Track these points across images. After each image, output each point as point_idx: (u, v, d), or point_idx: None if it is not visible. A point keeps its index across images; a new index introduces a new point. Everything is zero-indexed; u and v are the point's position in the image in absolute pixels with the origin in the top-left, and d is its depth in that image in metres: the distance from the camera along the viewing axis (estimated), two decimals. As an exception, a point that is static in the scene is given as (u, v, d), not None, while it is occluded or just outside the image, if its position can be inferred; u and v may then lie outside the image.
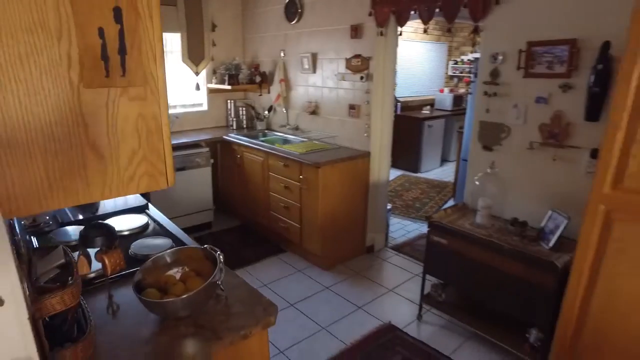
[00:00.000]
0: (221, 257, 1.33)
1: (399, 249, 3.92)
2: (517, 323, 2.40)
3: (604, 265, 1.81)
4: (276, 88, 4.32)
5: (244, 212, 4.28)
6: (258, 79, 4.36)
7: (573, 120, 2.29)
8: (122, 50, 0.83)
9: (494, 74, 2.61)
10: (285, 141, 4.13)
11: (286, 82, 4.24)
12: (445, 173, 6.61)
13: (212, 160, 4.11)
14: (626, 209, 1.69)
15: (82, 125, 0.83)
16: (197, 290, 1.20)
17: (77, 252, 1.27)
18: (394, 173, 6.41)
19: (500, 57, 2.57)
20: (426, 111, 6.91)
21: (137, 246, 1.68)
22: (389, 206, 3.95)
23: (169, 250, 1.35)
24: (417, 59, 7.18)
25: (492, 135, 2.69)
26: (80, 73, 0.80)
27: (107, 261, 1.07)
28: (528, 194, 2.55)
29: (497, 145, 2.68)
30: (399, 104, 6.66)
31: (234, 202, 4.38)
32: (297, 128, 4.26)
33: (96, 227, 1.11)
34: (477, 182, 2.66)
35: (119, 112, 0.87)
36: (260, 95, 4.57)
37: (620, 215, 1.71)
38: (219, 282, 1.30)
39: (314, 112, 4.02)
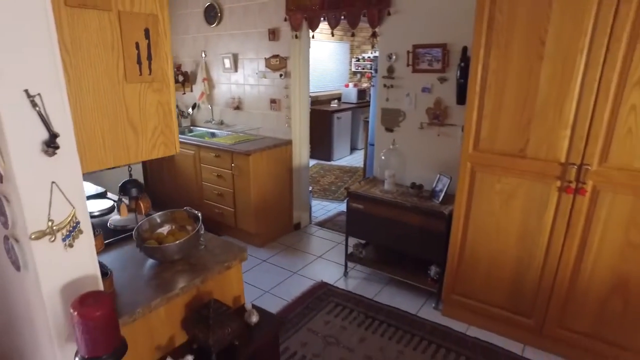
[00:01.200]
0: (200, 214, 1.74)
1: (322, 224, 4.49)
2: (421, 263, 3.07)
3: (472, 208, 2.51)
4: (199, 86, 4.63)
5: (177, 204, 4.52)
6: (181, 78, 4.63)
7: (449, 104, 3.01)
8: (149, 57, 1.23)
9: (390, 70, 3.26)
10: (212, 135, 4.47)
11: (209, 80, 4.57)
12: (355, 160, 7.36)
13: (141, 157, 4.30)
14: (482, 163, 2.40)
15: (124, 108, 1.21)
16: (188, 236, 1.60)
17: (117, 201, 1.63)
18: (310, 162, 6.98)
19: (394, 57, 3.22)
20: (334, 105, 7.59)
21: (114, 221, 2.00)
22: (310, 188, 4.49)
23: (159, 213, 1.72)
24: (324, 57, 7.83)
25: (392, 119, 3.35)
26: (124, 73, 1.19)
27: (141, 204, 1.44)
28: (421, 163, 3.24)
29: (397, 127, 3.34)
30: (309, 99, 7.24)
31: (166, 195, 4.60)
32: (221, 123, 4.62)
33: (131, 182, 1.49)
34: (382, 157, 3.30)
35: (147, 99, 1.26)
36: (184, 93, 4.83)
37: (479, 167, 2.41)
38: (202, 232, 1.70)
39: (237, 108, 4.42)
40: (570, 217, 2.22)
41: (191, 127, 4.77)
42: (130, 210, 1.55)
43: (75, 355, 1.09)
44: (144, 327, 1.38)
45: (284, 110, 4.04)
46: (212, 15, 4.28)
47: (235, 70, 4.31)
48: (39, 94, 0.98)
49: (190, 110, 4.80)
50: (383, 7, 3.19)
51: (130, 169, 1.59)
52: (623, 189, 2.05)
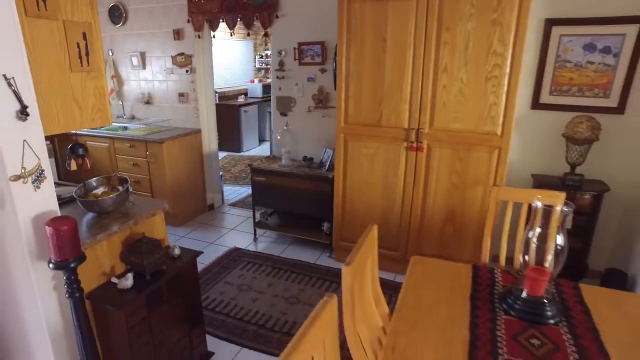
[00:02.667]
0: (127, 178, 2.21)
1: (234, 205, 5.02)
2: (316, 222, 3.76)
3: (348, 170, 3.24)
4: (108, 83, 4.88)
5: (91, 196, 4.75)
6: (88, 75, 4.84)
7: (329, 91, 3.72)
8: (87, 53, 1.71)
9: (281, 64, 3.90)
10: (125, 128, 4.76)
11: (117, 77, 4.85)
12: (263, 150, 7.94)
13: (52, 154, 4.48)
14: (351, 133, 3.13)
15: (71, 90, 1.69)
16: (119, 192, 2.07)
17: (67, 159, 2.04)
18: (221, 154, 7.42)
19: (284, 53, 3.86)
20: (241, 99, 8.09)
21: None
22: (221, 173, 4.99)
23: (94, 178, 2.17)
24: (230, 55, 8.28)
25: (285, 105, 3.99)
26: (70, 64, 1.67)
27: (87, 160, 1.89)
28: (311, 140, 3.93)
29: (289, 111, 3.99)
30: (216, 94, 7.67)
31: (80, 188, 4.80)
32: (133, 117, 4.93)
33: (77, 144, 1.93)
34: (278, 137, 3.93)
35: (87, 84, 1.74)
36: (92, 90, 5.02)
37: (349, 137, 3.14)
38: (130, 191, 2.18)
39: (148, 102, 4.77)
40: (415, 169, 3.03)
41: (102, 122, 5.00)
42: (77, 165, 1.99)
43: (49, 262, 1.56)
44: (92, 255, 1.84)
45: (192, 103, 4.49)
46: (117, 15, 4.58)
47: (144, 67, 4.66)
48: (12, 78, 1.44)
49: (99, 106, 5.02)
50: (272, 11, 3.81)
51: (76, 137, 2.03)
52: (445, 144, 2.89)
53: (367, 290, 1.57)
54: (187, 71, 4.37)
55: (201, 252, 2.28)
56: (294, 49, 3.80)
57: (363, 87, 3.01)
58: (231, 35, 4.27)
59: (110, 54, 4.79)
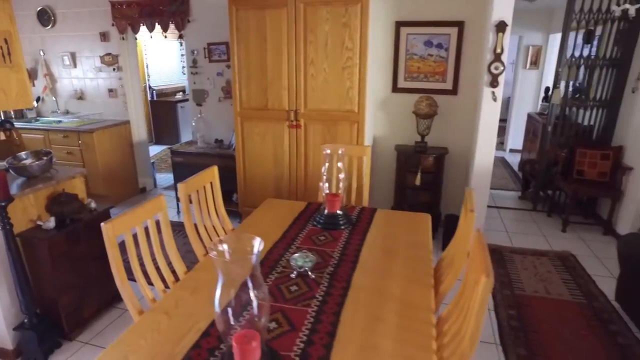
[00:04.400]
0: (51, 150, 2.82)
1: (166, 188, 5.62)
2: (229, 194, 4.44)
3: (245, 147, 3.95)
4: (42, 81, 5.35)
5: (31, 185, 5.23)
6: (22, 75, 5.29)
7: (235, 83, 4.42)
8: (9, 54, 2.34)
9: (194, 61, 4.56)
10: (59, 122, 5.26)
11: (50, 75, 5.34)
12: (201, 142, 8.51)
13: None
14: (246, 116, 3.84)
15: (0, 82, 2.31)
16: (45, 159, 2.69)
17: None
18: (160, 147, 7.97)
19: (196, 52, 4.52)
20: (179, 96, 8.62)
21: (-15, 168, 2.94)
22: (152, 161, 5.58)
23: (24, 152, 2.76)
24: (165, 54, 8.78)
25: (199, 96, 4.65)
26: (-5, 62, 2.29)
27: (14, 133, 2.48)
28: (222, 125, 4.61)
29: (204, 102, 4.66)
30: (154, 91, 8.19)
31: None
32: (67, 112, 5.42)
33: (5, 119, 2.52)
34: (194, 124, 4.59)
35: (10, 76, 2.36)
36: (27, 88, 5.48)
37: (245, 119, 3.85)
38: (53, 160, 2.79)
39: (80, 98, 5.29)
40: (297, 143, 3.78)
41: (37, 118, 5.47)
42: (5, 135, 2.58)
43: (-15, 204, 2.17)
44: (20, 205, 2.46)
45: (120, 97, 5.06)
46: (45, 18, 5.06)
47: (75, 66, 5.17)
48: (-49, 72, 2.06)
49: (35, 102, 5.49)
50: (184, 16, 4.45)
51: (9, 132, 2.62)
52: (317, 121, 3.66)
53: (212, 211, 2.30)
54: (114, 69, 4.93)
55: (113, 206, 2.92)
56: (204, 48, 4.47)
57: (252, 78, 3.72)
58: (151, 37, 4.86)
59: (42, 54, 5.26)
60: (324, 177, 2.28)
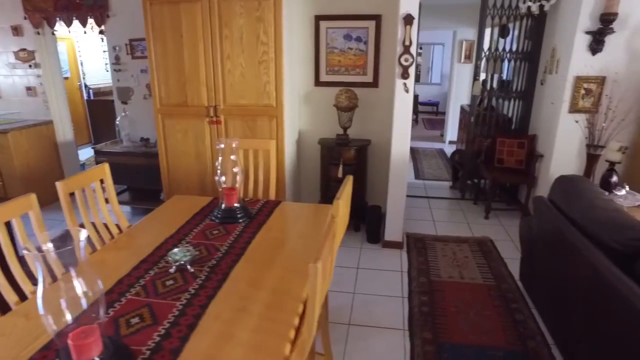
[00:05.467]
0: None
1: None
2: (156, 192, 4.34)
3: (168, 144, 3.86)
4: (-46, 81, 5.03)
5: (-55, 191, 4.91)
6: None
7: (158, 79, 4.30)
8: None
9: (117, 58, 4.41)
10: (-26, 124, 4.97)
11: (-37, 75, 5.02)
12: (143, 142, 8.28)
13: None
14: (166, 113, 3.75)
15: None
16: None
17: None
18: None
19: (118, 48, 4.37)
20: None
21: None
22: (83, 162, 5.37)
23: None
24: (100, 51, 8.46)
25: (124, 94, 4.51)
26: None
27: None
28: (147, 123, 4.49)
29: (129, 100, 4.52)
30: (90, 90, 7.88)
31: None
32: (-17, 112, 5.13)
33: None
34: (118, 122, 4.45)
35: None
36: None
37: (165, 116, 3.76)
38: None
39: (-4, 97, 5.01)
40: (218, 138, 3.72)
41: (-49, 119, 5.14)
42: None
43: None
44: None
45: (40, 96, 4.83)
46: (-46, 15, 4.75)
47: (-14, 63, 4.89)
48: None
49: (-52, 104, 5.15)
50: (103, 11, 4.30)
51: None
52: (237, 117, 3.62)
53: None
54: (30, 66, 4.70)
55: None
56: (126, 44, 4.33)
57: (170, 74, 3.64)
58: (69, 32, 4.65)
59: (-48, 51, 4.94)
60: (218, 171, 2.25)
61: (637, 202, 2.90)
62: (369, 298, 2.97)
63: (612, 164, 3.34)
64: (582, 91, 3.67)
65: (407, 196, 5.01)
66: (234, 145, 2.26)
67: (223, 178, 2.31)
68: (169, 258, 1.79)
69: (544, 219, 2.57)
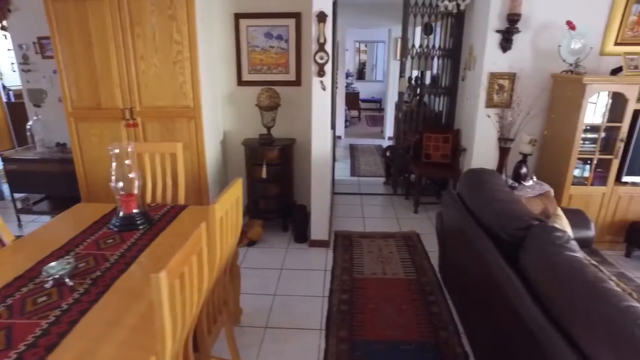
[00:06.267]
0: None
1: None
2: (74, 200, 4.10)
3: (83, 149, 3.65)
4: None
5: None
6: None
7: (72, 81, 4.07)
8: None
9: (25, 57, 4.13)
10: None
11: None
12: (74, 146, 7.85)
13: None
14: (79, 117, 3.54)
15: None
16: None
17: None
18: (22, 154, 7.20)
19: (25, 46, 4.10)
20: (44, 97, 7.85)
21: None
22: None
23: None
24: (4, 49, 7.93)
25: (37, 97, 4.24)
26: None
27: None
28: (63, 127, 4.23)
29: (42, 103, 4.25)
30: (10, 92, 7.38)
31: None
32: None
33: None
34: (28, 127, 4.18)
35: None
36: None
37: (78, 120, 3.55)
38: None
39: None
40: (136, 142, 3.57)
41: None
42: None
43: None
44: None
45: (-57, 100, 4.45)
46: None
47: None
48: None
49: None
50: (2, 4, 4.00)
51: None
52: (154, 119, 3.48)
53: None
54: None
55: None
56: (34, 43, 4.06)
57: (80, 75, 3.44)
58: None
59: None
60: (113, 177, 2.14)
61: (541, 192, 3.04)
62: (289, 299, 2.94)
63: (524, 156, 3.50)
64: (496, 87, 3.81)
65: (340, 194, 5.07)
66: (129, 150, 2.16)
67: (121, 184, 2.20)
68: (44, 272, 1.67)
69: (450, 212, 2.64)
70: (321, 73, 3.24)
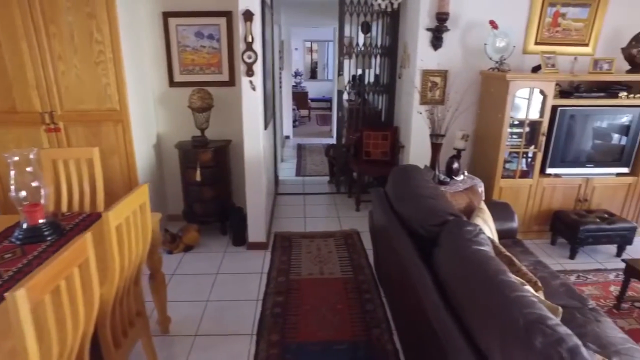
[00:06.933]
0: None
1: None
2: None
3: None
4: None
5: None
6: None
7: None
8: None
9: None
10: None
11: None
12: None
13: None
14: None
15: None
16: None
17: None
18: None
19: None
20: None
21: None
22: None
23: None
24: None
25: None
26: None
27: None
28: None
29: (-45, 108, 3.93)
30: None
31: None
32: None
33: None
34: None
35: None
36: None
37: (-12, 125, 3.32)
38: None
39: None
40: (8, 151, 3.37)
41: None
42: None
43: None
44: None
45: None
46: None
47: None
48: None
49: None
50: None
51: None
52: (78, 123, 3.30)
53: None
54: None
55: None
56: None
57: (-10, 77, 3.21)
58: None
59: None
60: (12, 187, 2.00)
61: (468, 185, 3.13)
62: (222, 305, 2.87)
63: (458, 151, 3.58)
64: (429, 84, 3.89)
65: (284, 194, 5.03)
66: (31, 157, 2.02)
67: (23, 193, 2.05)
68: None
69: (376, 210, 2.65)
70: (250, 73, 3.18)
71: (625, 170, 3.77)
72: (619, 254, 3.62)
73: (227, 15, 3.65)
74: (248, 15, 3.07)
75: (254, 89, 3.22)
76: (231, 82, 3.81)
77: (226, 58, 3.76)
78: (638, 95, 3.56)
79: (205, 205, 3.73)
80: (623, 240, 3.56)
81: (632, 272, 2.75)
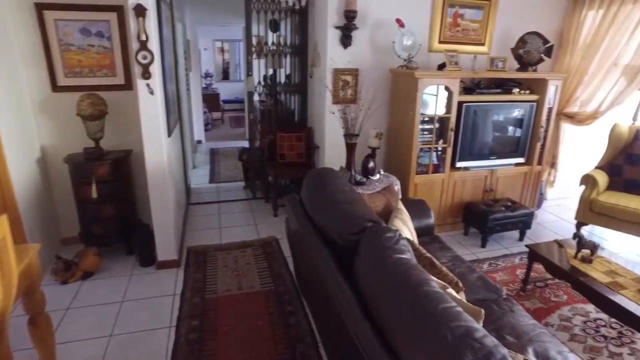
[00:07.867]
0: None
1: None
2: None
3: None
4: None
5: None
6: None
7: None
8: None
9: None
10: None
11: None
12: None
13: None
14: None
15: None
16: None
17: None
18: None
19: None
20: None
21: None
22: None
23: None
24: None
25: None
26: None
27: None
28: None
29: None
30: None
31: None
32: None
33: None
34: None
35: None
36: None
37: None
38: None
39: None
40: None
41: None
42: None
43: None
44: None
45: None
46: None
47: None
48: None
49: None
50: None
51: None
52: None
53: None
54: None
55: None
56: None
57: None
58: None
59: None
60: None
61: (385, 185, 3.11)
62: (129, 338, 2.53)
63: (373, 150, 3.55)
64: (341, 83, 3.83)
65: (197, 204, 4.71)
66: None
67: None
68: None
69: (291, 219, 2.51)
70: (146, 75, 2.85)
71: (521, 160, 4.05)
72: (521, 239, 3.88)
73: (118, 10, 3.27)
74: (140, 10, 2.74)
75: (152, 92, 2.90)
76: (127, 85, 3.43)
77: (120, 59, 3.37)
78: (527, 92, 3.85)
79: (105, 225, 3.31)
80: (524, 226, 3.82)
81: (534, 256, 2.94)
